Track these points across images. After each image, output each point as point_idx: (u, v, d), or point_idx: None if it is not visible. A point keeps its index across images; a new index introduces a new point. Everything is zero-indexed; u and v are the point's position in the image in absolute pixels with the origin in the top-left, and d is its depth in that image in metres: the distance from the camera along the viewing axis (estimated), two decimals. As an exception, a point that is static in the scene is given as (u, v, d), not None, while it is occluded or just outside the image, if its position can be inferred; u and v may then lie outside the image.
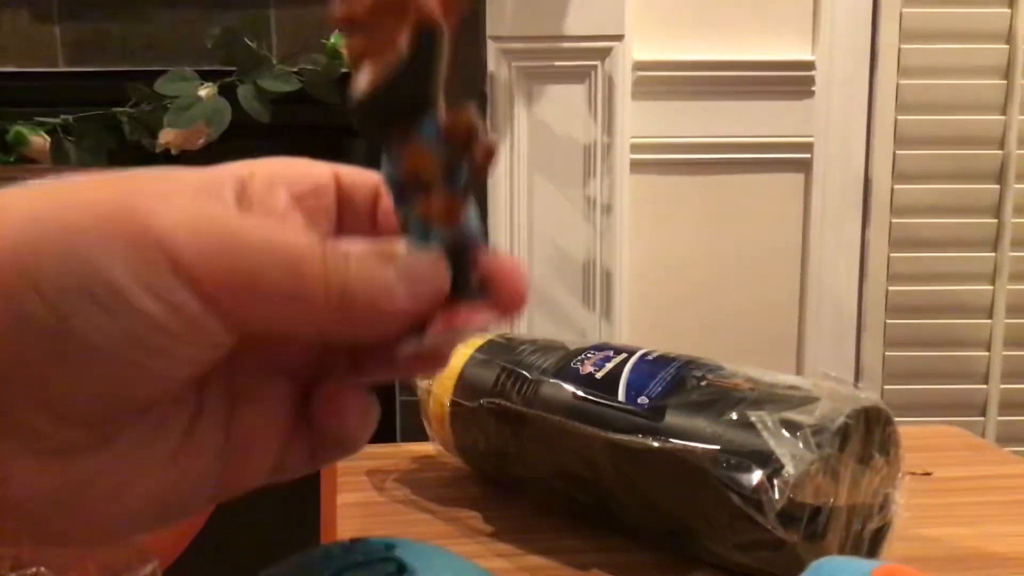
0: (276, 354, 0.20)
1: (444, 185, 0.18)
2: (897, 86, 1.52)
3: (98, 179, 0.17)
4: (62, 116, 0.95)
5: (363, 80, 0.18)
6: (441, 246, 0.18)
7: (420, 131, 0.18)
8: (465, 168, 0.18)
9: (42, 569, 0.29)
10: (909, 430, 0.43)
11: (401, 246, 0.18)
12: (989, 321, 1.56)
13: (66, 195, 0.16)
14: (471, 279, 0.19)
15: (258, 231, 0.17)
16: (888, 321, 1.56)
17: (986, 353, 1.57)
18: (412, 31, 0.18)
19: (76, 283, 0.15)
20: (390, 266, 0.18)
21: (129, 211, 0.16)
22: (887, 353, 1.56)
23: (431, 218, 0.18)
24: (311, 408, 0.20)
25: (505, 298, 0.20)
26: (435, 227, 0.18)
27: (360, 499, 0.50)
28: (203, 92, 0.91)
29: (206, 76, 0.96)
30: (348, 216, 0.21)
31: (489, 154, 0.19)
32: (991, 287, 1.56)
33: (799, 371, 1.54)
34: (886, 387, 1.55)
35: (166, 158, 0.96)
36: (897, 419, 0.41)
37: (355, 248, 0.18)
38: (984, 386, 1.57)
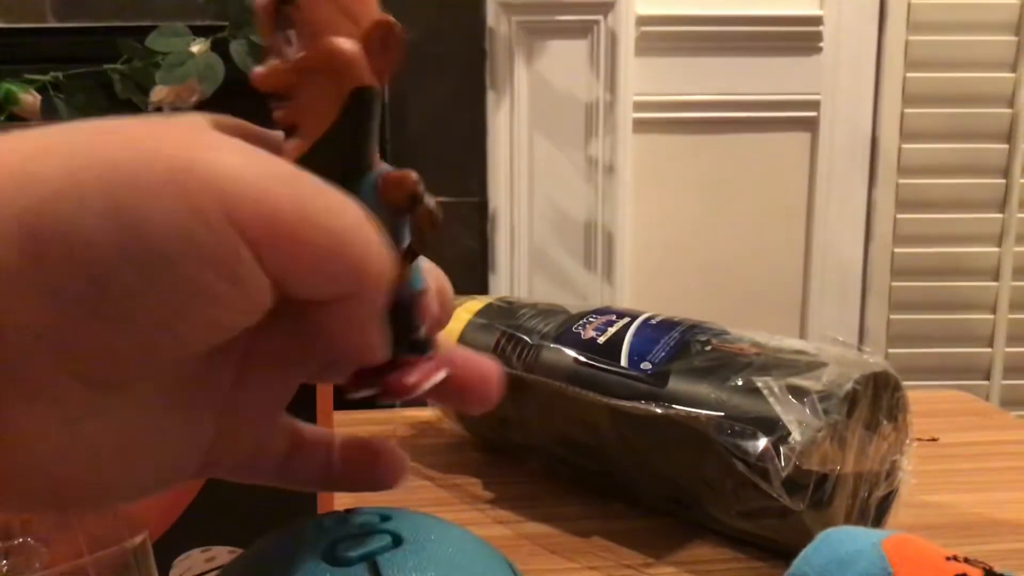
0: (280, 350, 0.20)
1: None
2: (906, 42, 1.49)
3: (129, 122, 0.16)
4: (52, 73, 0.93)
5: (292, 145, 0.17)
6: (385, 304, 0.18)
7: (358, 193, 0.17)
8: (406, 229, 0.18)
9: (29, 540, 0.29)
10: (915, 395, 0.42)
11: None
12: (995, 284, 1.55)
13: (101, 134, 0.15)
14: (415, 337, 0.19)
15: (321, 192, 0.16)
16: (893, 284, 1.55)
17: (992, 316, 1.56)
18: (346, 94, 0.17)
19: (122, 253, 0.14)
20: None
21: (183, 159, 0.15)
22: (892, 316, 1.56)
23: None
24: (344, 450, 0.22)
25: (476, 397, 0.21)
26: None
27: (358, 465, 0.49)
28: (195, 48, 0.88)
29: (198, 32, 0.93)
30: None
31: (432, 221, 0.18)
32: (998, 249, 1.54)
33: (803, 334, 1.54)
34: (890, 351, 1.55)
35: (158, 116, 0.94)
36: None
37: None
38: (989, 350, 1.57)
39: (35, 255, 0.14)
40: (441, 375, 0.20)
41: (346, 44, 0.17)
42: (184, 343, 0.16)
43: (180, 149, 0.15)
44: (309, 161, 0.17)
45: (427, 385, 0.19)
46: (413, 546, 0.20)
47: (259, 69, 0.17)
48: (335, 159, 0.17)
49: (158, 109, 0.93)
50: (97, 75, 0.95)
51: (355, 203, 0.17)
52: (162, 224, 0.15)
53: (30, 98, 0.96)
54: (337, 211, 0.16)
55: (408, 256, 0.18)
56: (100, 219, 0.14)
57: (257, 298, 0.16)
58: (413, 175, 0.18)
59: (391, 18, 0.17)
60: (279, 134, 0.18)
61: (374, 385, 0.19)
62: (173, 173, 0.15)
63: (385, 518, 0.21)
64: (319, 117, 0.17)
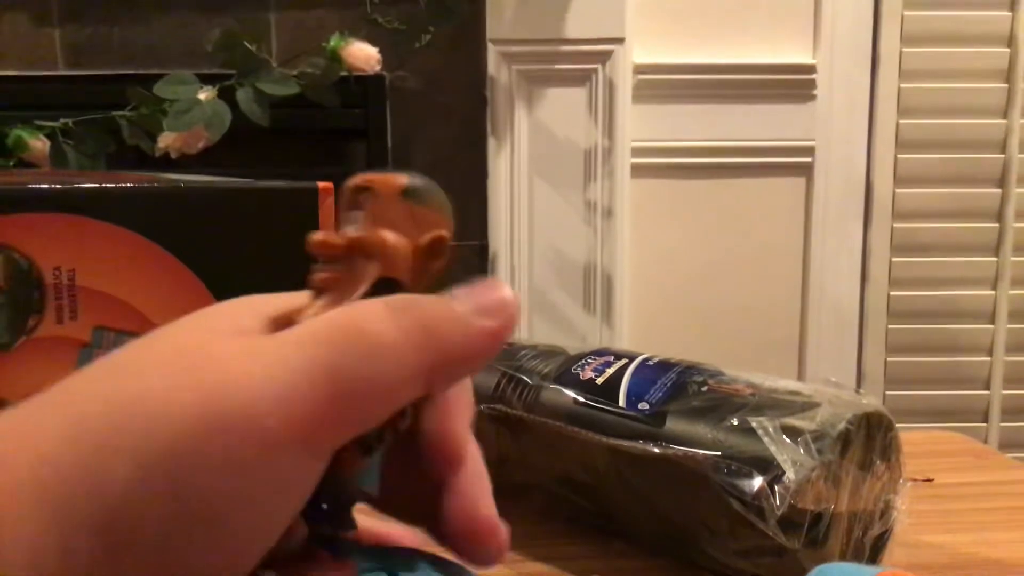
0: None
1: (355, 446, 0.18)
2: (898, 89, 1.52)
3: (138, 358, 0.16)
4: (61, 120, 0.95)
5: (318, 305, 0.18)
6: (333, 492, 0.18)
7: None
8: (380, 438, 0.18)
9: None
10: (911, 436, 0.42)
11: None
12: (991, 326, 1.56)
13: (135, 401, 0.15)
14: (330, 533, 0.19)
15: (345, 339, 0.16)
16: (890, 326, 1.56)
17: (988, 358, 1.56)
18: (372, 283, 0.18)
19: (188, 517, 0.14)
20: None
21: (206, 401, 0.15)
22: (889, 359, 1.56)
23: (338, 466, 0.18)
24: None
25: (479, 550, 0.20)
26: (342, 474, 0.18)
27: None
28: (202, 95, 0.91)
29: (205, 79, 0.96)
30: None
31: (399, 429, 0.19)
32: (993, 292, 1.55)
33: (800, 376, 1.54)
34: (888, 393, 1.55)
35: (165, 162, 0.95)
36: (899, 425, 0.41)
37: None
38: (986, 392, 1.57)
39: (116, 564, 0.14)
40: None
41: (396, 239, 0.18)
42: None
43: (200, 388, 0.15)
44: None
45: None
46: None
47: (318, 236, 0.19)
48: None
49: (166, 155, 0.95)
50: (106, 121, 0.97)
51: (368, 309, 0.17)
52: (216, 481, 0.15)
53: (39, 144, 0.98)
54: (364, 350, 0.16)
55: (362, 449, 0.18)
56: (164, 500, 0.14)
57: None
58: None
59: (446, 234, 0.19)
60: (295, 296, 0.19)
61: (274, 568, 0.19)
62: (207, 421, 0.15)
63: (382, 556, 0.21)
64: (348, 290, 0.18)
